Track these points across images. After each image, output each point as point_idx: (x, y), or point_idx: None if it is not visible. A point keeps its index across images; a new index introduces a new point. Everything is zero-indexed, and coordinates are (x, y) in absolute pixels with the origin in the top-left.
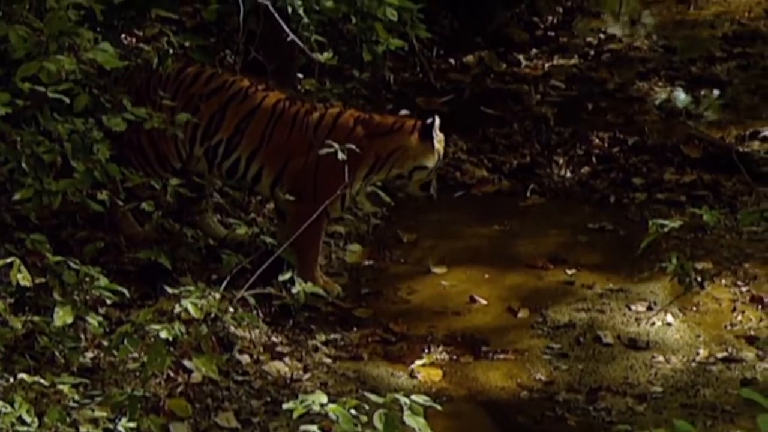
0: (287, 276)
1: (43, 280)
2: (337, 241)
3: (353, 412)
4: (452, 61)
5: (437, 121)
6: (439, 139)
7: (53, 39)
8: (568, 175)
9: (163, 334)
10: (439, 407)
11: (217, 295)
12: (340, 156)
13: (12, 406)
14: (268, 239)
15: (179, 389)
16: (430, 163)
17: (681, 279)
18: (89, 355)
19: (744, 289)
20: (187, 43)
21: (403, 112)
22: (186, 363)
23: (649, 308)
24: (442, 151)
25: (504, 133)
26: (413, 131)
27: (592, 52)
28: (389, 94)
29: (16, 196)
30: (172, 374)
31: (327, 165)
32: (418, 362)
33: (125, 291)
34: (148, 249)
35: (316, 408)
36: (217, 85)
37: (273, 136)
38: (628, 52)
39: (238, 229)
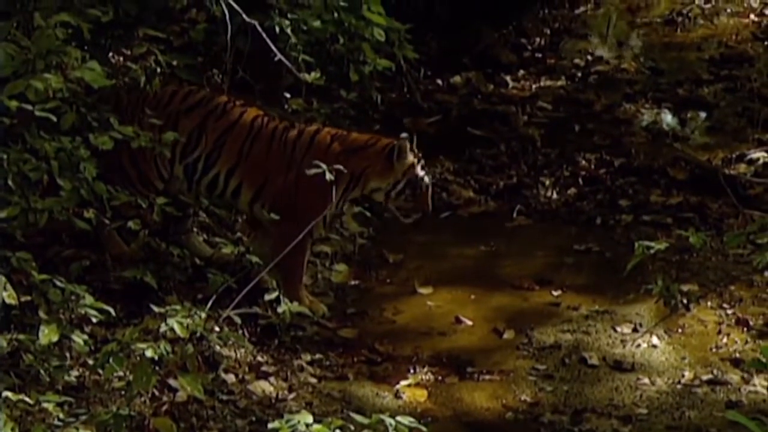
0: (273, 296)
1: (28, 298)
2: (323, 261)
3: None
4: (439, 81)
5: (405, 141)
6: (407, 161)
7: (41, 57)
8: (555, 196)
9: (149, 353)
10: (424, 428)
11: (203, 315)
12: (328, 177)
13: None
14: (254, 258)
15: (164, 408)
16: (391, 180)
17: (667, 301)
18: (74, 373)
19: (729, 311)
20: (174, 62)
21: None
22: (171, 382)
23: (635, 330)
24: (417, 170)
25: (491, 154)
26: (385, 149)
27: (579, 74)
28: (376, 114)
29: (2, 214)
30: (157, 393)
31: (308, 184)
32: (404, 383)
33: (111, 309)
34: (134, 268)
35: (302, 428)
36: (195, 101)
37: (251, 152)
38: (615, 74)
39: (224, 248)
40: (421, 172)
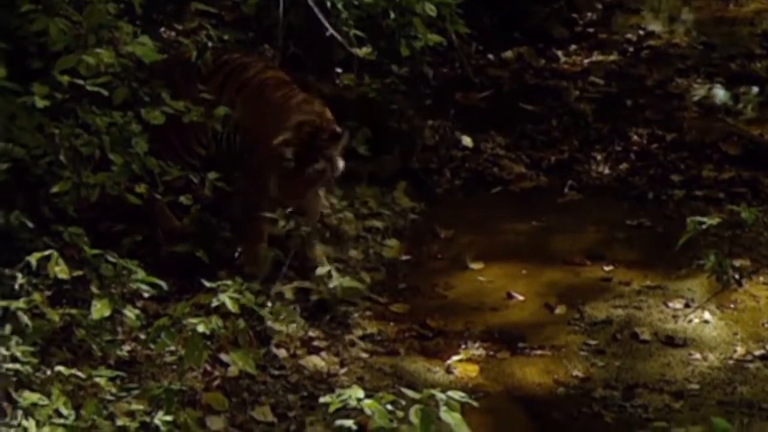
0: (325, 270)
1: (80, 272)
2: (375, 236)
3: (389, 407)
4: (491, 56)
5: None
6: None
7: (92, 32)
8: (607, 171)
9: (201, 328)
10: (475, 403)
11: (255, 289)
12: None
13: (49, 398)
14: (305, 232)
15: (216, 383)
16: None
17: (719, 276)
18: (126, 348)
19: None
20: (226, 37)
21: None
22: (223, 357)
23: (687, 305)
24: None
25: (542, 129)
26: None
27: (631, 49)
28: (428, 89)
29: (54, 189)
30: (209, 368)
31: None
32: (455, 358)
33: (163, 284)
34: (186, 242)
35: (353, 403)
36: (221, 62)
37: (251, 111)
38: (667, 48)
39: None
40: (288, 155)
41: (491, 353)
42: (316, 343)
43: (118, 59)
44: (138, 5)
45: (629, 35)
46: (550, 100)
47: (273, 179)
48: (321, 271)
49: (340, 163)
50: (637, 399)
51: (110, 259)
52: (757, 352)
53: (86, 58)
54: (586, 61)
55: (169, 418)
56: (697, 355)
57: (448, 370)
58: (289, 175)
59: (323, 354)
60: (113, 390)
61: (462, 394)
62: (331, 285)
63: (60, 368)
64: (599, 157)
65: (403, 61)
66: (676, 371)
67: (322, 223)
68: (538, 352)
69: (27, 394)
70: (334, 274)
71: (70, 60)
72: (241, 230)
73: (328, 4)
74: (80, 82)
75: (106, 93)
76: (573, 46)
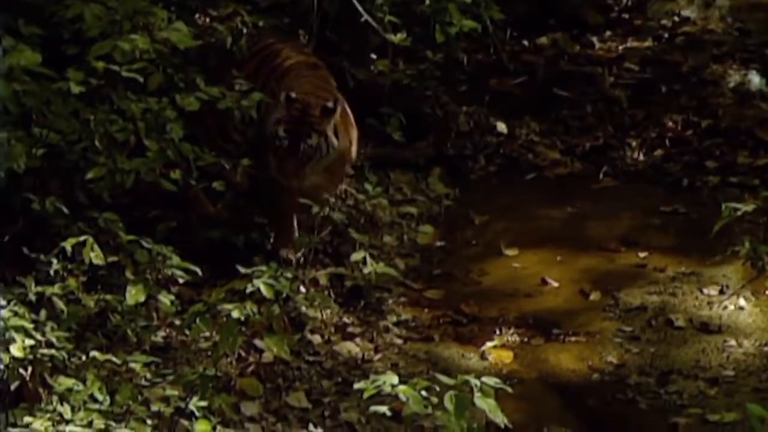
0: (359, 256)
1: (115, 258)
2: (409, 222)
3: (424, 393)
4: (526, 42)
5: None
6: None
7: (127, 18)
8: (641, 157)
9: (235, 314)
10: (509, 389)
11: (289, 275)
12: None
13: (84, 383)
14: (338, 218)
15: (250, 369)
16: None
17: (753, 262)
18: (161, 333)
19: None
20: (260, 23)
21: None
22: (257, 343)
23: (722, 292)
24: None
25: (577, 115)
26: None
27: (666, 35)
28: (462, 75)
29: (89, 175)
30: (243, 354)
31: None
32: (489, 344)
33: (197, 270)
34: (221, 228)
35: (387, 389)
36: (258, 48)
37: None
38: (702, 34)
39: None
40: (282, 133)
41: (525, 339)
42: (350, 329)
43: (153, 45)
44: None
45: (664, 21)
46: (585, 86)
47: (270, 159)
48: (356, 256)
49: (333, 139)
50: (672, 385)
51: (145, 245)
52: None
53: (121, 44)
54: (620, 47)
55: (203, 403)
56: (732, 342)
57: (483, 357)
58: (284, 153)
59: (358, 340)
60: (148, 375)
61: (496, 380)
62: (365, 271)
63: (95, 354)
64: (634, 144)
65: (437, 47)
66: (711, 358)
67: (357, 210)
68: (573, 338)
69: (62, 379)
70: (369, 259)
71: (105, 46)
72: (272, 215)
73: None
74: (115, 68)
75: (141, 79)
76: (608, 33)
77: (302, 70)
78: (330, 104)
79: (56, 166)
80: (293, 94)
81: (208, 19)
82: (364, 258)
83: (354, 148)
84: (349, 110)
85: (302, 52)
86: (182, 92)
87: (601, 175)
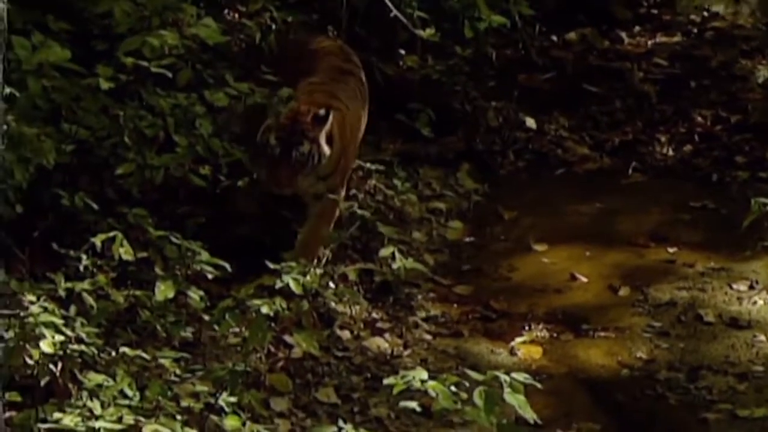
0: (388, 251)
1: (145, 254)
2: (438, 218)
3: (453, 388)
4: (554, 38)
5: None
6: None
7: (156, 14)
8: (671, 153)
9: (265, 309)
10: (539, 385)
11: (318, 271)
12: None
13: (114, 379)
14: (366, 214)
15: (280, 364)
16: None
17: None
18: (190, 329)
19: None
20: (289, 19)
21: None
22: (287, 338)
23: (751, 287)
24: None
25: (606, 110)
26: None
27: (695, 30)
28: (491, 70)
29: (119, 171)
30: (272, 349)
31: None
32: (519, 339)
33: (227, 266)
34: (249, 224)
35: (417, 384)
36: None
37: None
38: (731, 30)
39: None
40: (273, 141)
41: (555, 335)
42: (379, 324)
43: (182, 41)
44: None
45: (693, 16)
46: (614, 81)
47: (262, 168)
48: (384, 252)
49: (325, 147)
50: (701, 381)
51: (174, 240)
52: None
53: (150, 40)
54: (649, 42)
55: (233, 399)
56: (762, 337)
57: (512, 352)
58: (276, 161)
59: (387, 335)
60: (178, 371)
61: (526, 375)
62: (394, 266)
63: (125, 349)
64: (663, 139)
65: (466, 42)
66: (741, 353)
67: (386, 205)
68: (602, 333)
69: (92, 375)
70: (397, 255)
71: (135, 42)
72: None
73: None
74: (144, 63)
75: (170, 75)
76: (637, 28)
77: (321, 76)
78: (322, 112)
79: (86, 162)
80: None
81: (236, 15)
82: (393, 253)
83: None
84: (357, 118)
85: (336, 54)
86: (211, 88)
87: (630, 171)
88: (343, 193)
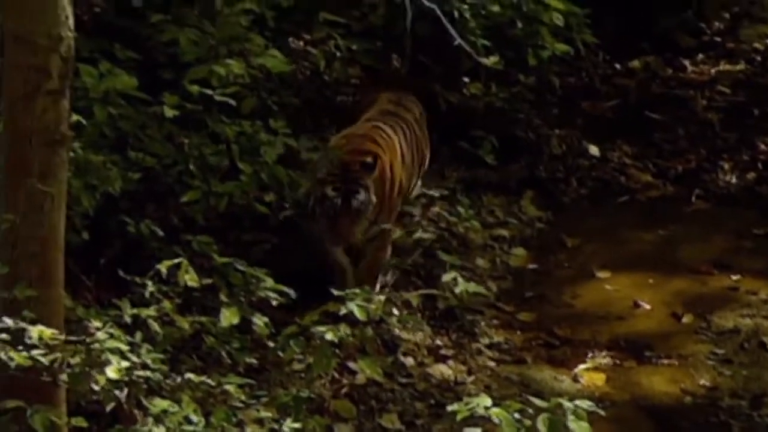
0: (450, 276)
1: (209, 281)
2: (501, 245)
3: (517, 415)
4: (618, 65)
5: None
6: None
7: (223, 44)
8: (734, 180)
9: (329, 336)
10: (602, 412)
11: (382, 298)
12: None
13: (179, 405)
14: (430, 239)
15: (344, 390)
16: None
17: None
18: (255, 355)
19: None
20: (354, 47)
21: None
22: (351, 365)
23: None
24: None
25: (669, 138)
26: None
27: (758, 58)
28: (554, 98)
29: (184, 198)
30: (337, 375)
31: None
32: (582, 366)
33: (291, 292)
34: (313, 252)
35: (480, 411)
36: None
37: None
38: None
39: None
40: (331, 192)
41: (618, 362)
42: (443, 351)
43: (248, 70)
44: (270, 18)
45: (756, 44)
46: (677, 109)
47: (321, 222)
48: (447, 277)
49: (373, 195)
50: (765, 408)
51: (239, 267)
52: None
53: (217, 69)
54: (713, 70)
55: (297, 425)
56: None
57: (575, 379)
58: (335, 213)
59: (450, 362)
60: (242, 397)
61: (589, 402)
62: (456, 290)
63: (190, 375)
64: (726, 166)
65: (530, 70)
66: None
67: (449, 232)
68: (665, 361)
69: (157, 400)
70: (460, 279)
71: (202, 71)
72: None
73: (456, 13)
74: (209, 92)
75: (234, 103)
76: (700, 56)
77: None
78: (369, 160)
79: (151, 190)
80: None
81: (301, 43)
82: (455, 278)
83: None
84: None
85: (393, 101)
86: (276, 116)
87: (693, 198)
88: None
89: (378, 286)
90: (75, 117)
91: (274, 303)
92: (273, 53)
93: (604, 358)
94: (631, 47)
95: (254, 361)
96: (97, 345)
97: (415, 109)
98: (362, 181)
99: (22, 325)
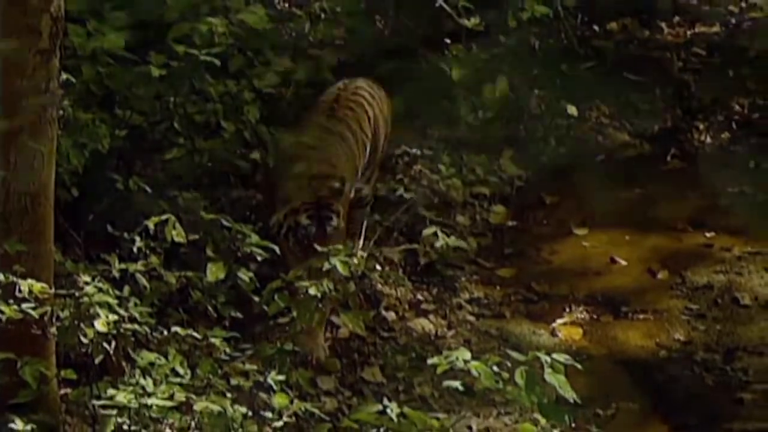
0: (431, 231)
1: (196, 237)
2: (482, 202)
3: (495, 368)
4: (596, 28)
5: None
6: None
7: (205, 1)
8: (708, 140)
9: (312, 291)
10: (579, 365)
11: (365, 254)
12: None
13: (166, 358)
14: (412, 197)
15: (327, 344)
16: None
17: None
18: (240, 310)
19: None
20: (338, 9)
21: None
22: (334, 319)
23: None
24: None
25: (646, 98)
26: None
27: (733, 21)
28: (534, 59)
29: (168, 155)
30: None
31: None
32: (559, 321)
33: (276, 248)
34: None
35: (460, 364)
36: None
37: None
38: None
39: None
40: (305, 221)
41: (595, 317)
42: (424, 306)
43: (230, 27)
44: None
45: (731, 7)
46: (654, 70)
47: (295, 249)
48: (427, 232)
49: (342, 220)
50: (738, 362)
51: (225, 223)
52: None
53: (199, 26)
54: (689, 32)
55: (281, 377)
56: None
57: (553, 333)
58: (310, 239)
59: (431, 317)
60: (228, 350)
61: (566, 356)
62: (437, 245)
63: (176, 329)
64: (701, 127)
65: (510, 31)
66: None
67: (430, 190)
68: (641, 316)
69: (145, 353)
70: (440, 234)
71: (183, 27)
72: None
73: None
74: (194, 51)
75: (218, 63)
76: (676, 18)
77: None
78: (338, 185)
79: (139, 147)
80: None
81: (286, 5)
82: (436, 233)
83: None
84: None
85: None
86: (259, 74)
87: (669, 157)
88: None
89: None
90: (64, 75)
91: (259, 258)
92: (254, 9)
93: (581, 313)
94: (610, 10)
95: (239, 315)
96: (85, 299)
97: (365, 94)
98: (334, 207)
99: (13, 278)
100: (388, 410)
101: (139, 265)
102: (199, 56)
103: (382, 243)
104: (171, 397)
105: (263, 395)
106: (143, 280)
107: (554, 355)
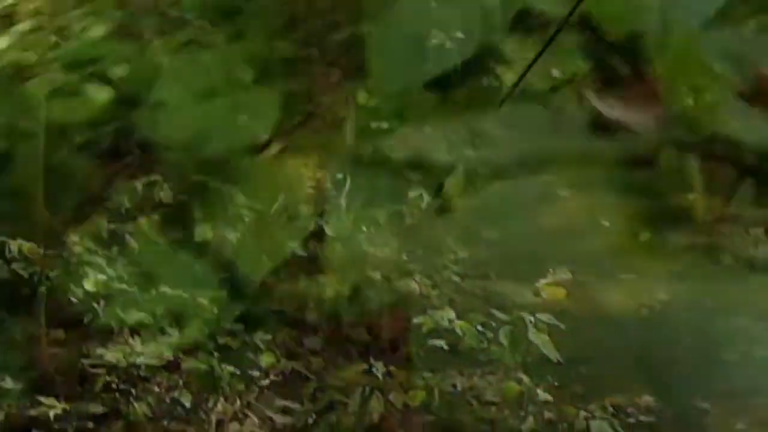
0: (417, 193)
1: (184, 197)
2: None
3: (480, 328)
4: None
5: None
6: None
7: None
8: None
9: (300, 252)
10: (562, 325)
11: (351, 216)
12: None
13: (154, 317)
14: (396, 158)
15: (314, 304)
16: None
17: None
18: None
19: None
20: None
21: None
22: (320, 279)
23: (766, 232)
24: None
25: None
26: None
27: None
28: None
29: None
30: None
31: None
32: (543, 281)
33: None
34: None
35: (445, 324)
36: None
37: None
38: None
39: None
40: None
41: (578, 277)
42: (409, 266)
43: None
44: None
45: None
46: None
47: None
48: (413, 194)
49: None
50: (718, 321)
51: (212, 185)
52: None
53: None
54: None
55: (268, 337)
56: None
57: (537, 293)
58: None
59: (416, 277)
60: (215, 310)
61: (550, 315)
62: (422, 206)
63: (165, 289)
64: None
65: None
66: (758, 296)
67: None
68: (623, 276)
69: (134, 312)
70: (425, 195)
71: None
72: None
73: None
74: None
75: None
76: None
77: None
78: None
79: None
80: None
81: None
82: (421, 194)
83: None
84: None
85: None
86: None
87: None
88: None
89: None
90: None
91: (246, 219)
92: None
93: (564, 273)
94: None
95: (227, 274)
96: (75, 259)
97: None
98: None
99: (3, 238)
100: (374, 369)
101: (129, 226)
102: None
103: (368, 205)
104: (159, 356)
105: (250, 354)
106: (132, 241)
107: (538, 315)
